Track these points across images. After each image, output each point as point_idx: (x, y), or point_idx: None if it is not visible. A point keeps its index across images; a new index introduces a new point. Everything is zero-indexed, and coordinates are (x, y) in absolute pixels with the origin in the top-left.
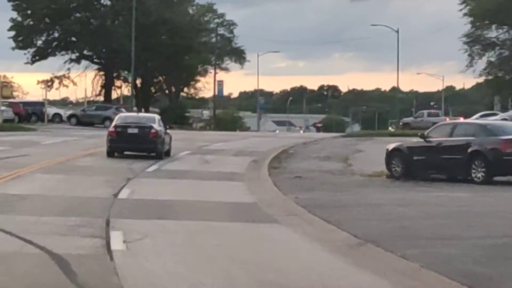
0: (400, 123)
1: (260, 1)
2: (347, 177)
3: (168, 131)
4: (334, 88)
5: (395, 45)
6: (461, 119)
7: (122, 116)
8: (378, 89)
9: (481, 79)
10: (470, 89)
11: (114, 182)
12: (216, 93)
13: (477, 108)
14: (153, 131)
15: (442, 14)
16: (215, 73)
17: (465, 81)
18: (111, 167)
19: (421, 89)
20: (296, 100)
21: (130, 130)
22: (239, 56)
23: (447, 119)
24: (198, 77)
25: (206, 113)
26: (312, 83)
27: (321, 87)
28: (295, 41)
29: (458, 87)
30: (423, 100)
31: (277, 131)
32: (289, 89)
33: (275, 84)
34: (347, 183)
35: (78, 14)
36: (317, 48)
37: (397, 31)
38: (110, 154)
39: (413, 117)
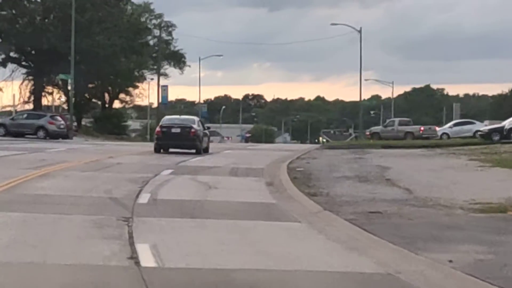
0: (367, 133)
1: (177, 10)
2: (448, 213)
3: (206, 131)
4: (259, 97)
5: (311, 55)
6: (437, 128)
7: (166, 118)
8: (301, 99)
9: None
10: (397, 98)
11: (108, 226)
12: (160, 99)
13: (418, 117)
14: (193, 130)
15: (358, 24)
16: (159, 77)
17: (403, 89)
18: (86, 196)
19: (347, 98)
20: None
21: (173, 130)
22: (178, 60)
23: (422, 128)
24: (136, 83)
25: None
26: (232, 93)
27: (246, 96)
28: (213, 51)
29: (384, 96)
30: (352, 109)
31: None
32: (213, 98)
33: (196, 94)
34: (469, 225)
35: (3, 12)
36: (235, 58)
37: (360, 31)
38: (157, 150)
39: (383, 126)
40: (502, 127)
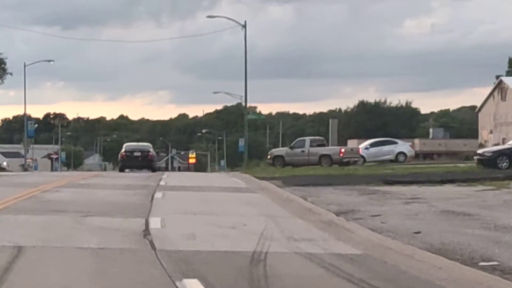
0: (268, 157)
1: None
2: None
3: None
4: (61, 117)
5: (103, 75)
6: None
7: (127, 145)
8: (103, 118)
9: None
10: (209, 117)
11: None
12: None
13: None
14: (150, 154)
15: (151, 44)
16: None
17: (201, 108)
18: None
19: (152, 117)
20: (20, 130)
21: (135, 154)
22: None
23: (342, 149)
24: None
25: None
26: (31, 112)
27: (47, 115)
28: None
29: (190, 115)
30: (162, 127)
31: (5, 163)
32: (11, 118)
33: None
34: None
35: None
36: (27, 76)
37: (244, 26)
38: (121, 170)
39: (289, 147)
40: None
